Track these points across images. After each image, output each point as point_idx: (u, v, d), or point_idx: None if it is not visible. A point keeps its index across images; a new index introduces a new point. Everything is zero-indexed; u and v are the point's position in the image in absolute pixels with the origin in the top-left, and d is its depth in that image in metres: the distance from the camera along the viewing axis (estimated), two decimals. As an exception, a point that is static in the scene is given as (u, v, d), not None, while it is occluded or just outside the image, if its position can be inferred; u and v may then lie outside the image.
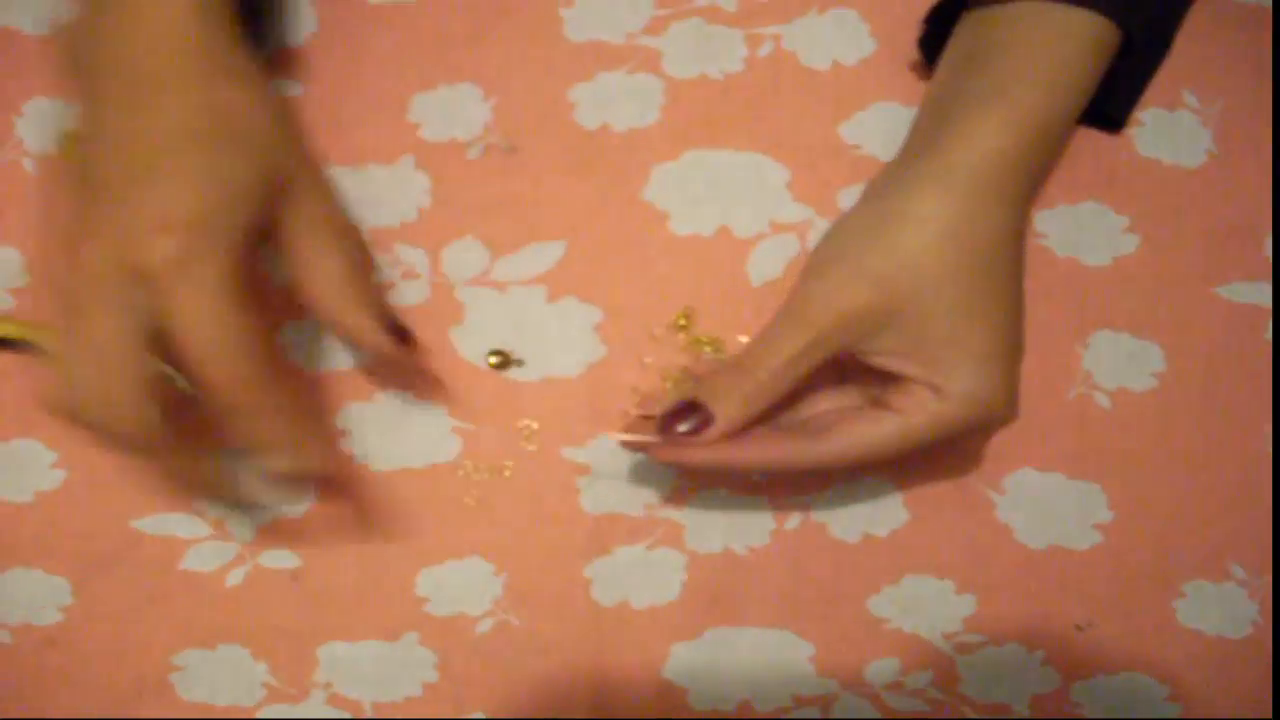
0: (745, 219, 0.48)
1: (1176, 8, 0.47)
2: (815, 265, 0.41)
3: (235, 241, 0.36)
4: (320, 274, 0.39)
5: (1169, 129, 0.48)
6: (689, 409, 0.40)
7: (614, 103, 0.48)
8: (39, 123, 0.48)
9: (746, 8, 0.49)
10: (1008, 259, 0.40)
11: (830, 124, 0.48)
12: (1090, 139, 0.48)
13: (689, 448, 0.40)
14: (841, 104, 0.48)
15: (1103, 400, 0.47)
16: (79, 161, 0.37)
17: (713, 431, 0.39)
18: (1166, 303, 0.47)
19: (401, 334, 0.41)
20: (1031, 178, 0.40)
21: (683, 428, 0.39)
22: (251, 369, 0.35)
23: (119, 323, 0.35)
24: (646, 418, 0.42)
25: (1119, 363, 0.47)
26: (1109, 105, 0.46)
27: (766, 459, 0.40)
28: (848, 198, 0.47)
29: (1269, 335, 0.47)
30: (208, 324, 0.35)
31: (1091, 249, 0.48)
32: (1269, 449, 0.46)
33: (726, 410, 0.39)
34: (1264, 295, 0.47)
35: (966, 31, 0.43)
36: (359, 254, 0.41)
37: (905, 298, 0.38)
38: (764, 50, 0.49)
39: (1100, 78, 0.41)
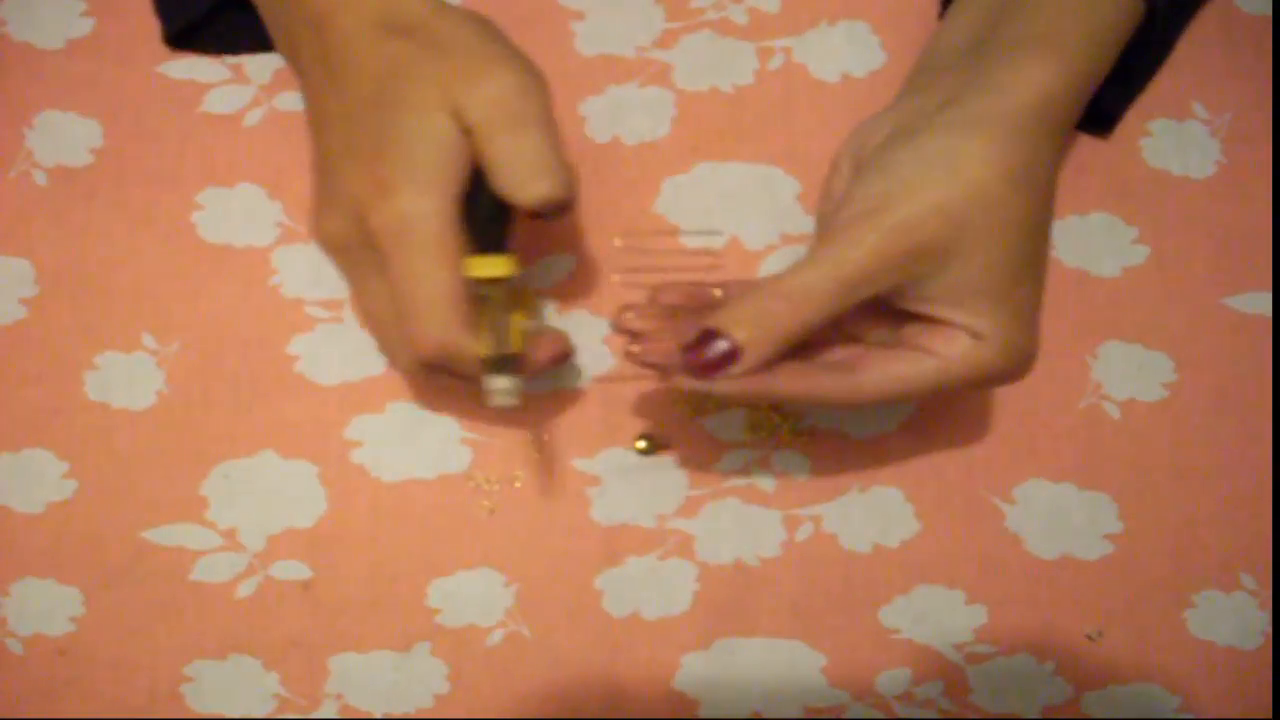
0: (756, 231, 0.48)
1: (1187, 4, 0.48)
2: (871, 197, 0.37)
3: (446, 192, 0.37)
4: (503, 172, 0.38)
5: (1178, 140, 0.48)
6: (709, 341, 0.36)
7: (625, 116, 0.48)
8: (50, 136, 0.48)
9: (757, 20, 0.49)
10: (1051, 209, 0.39)
11: (841, 136, 0.48)
12: (1099, 150, 0.49)
13: (709, 381, 0.37)
14: (852, 116, 0.48)
15: (1113, 411, 0.47)
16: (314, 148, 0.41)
17: (737, 369, 0.36)
18: (1176, 313, 0.47)
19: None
20: (1071, 127, 0.39)
21: (705, 363, 0.36)
22: (451, 331, 0.37)
23: (379, 283, 0.39)
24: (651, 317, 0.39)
25: (1129, 373, 0.47)
26: (1108, 100, 0.46)
27: (797, 391, 0.37)
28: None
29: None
30: (417, 286, 0.37)
31: (1101, 260, 0.48)
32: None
33: (754, 348, 0.36)
34: (1272, 306, 0.47)
35: None
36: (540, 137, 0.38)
37: (975, 239, 0.36)
38: (775, 63, 0.49)
39: (1123, 46, 0.40)
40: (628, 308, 0.39)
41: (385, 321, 0.40)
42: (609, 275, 0.43)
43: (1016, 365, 0.38)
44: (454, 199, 0.38)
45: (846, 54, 0.49)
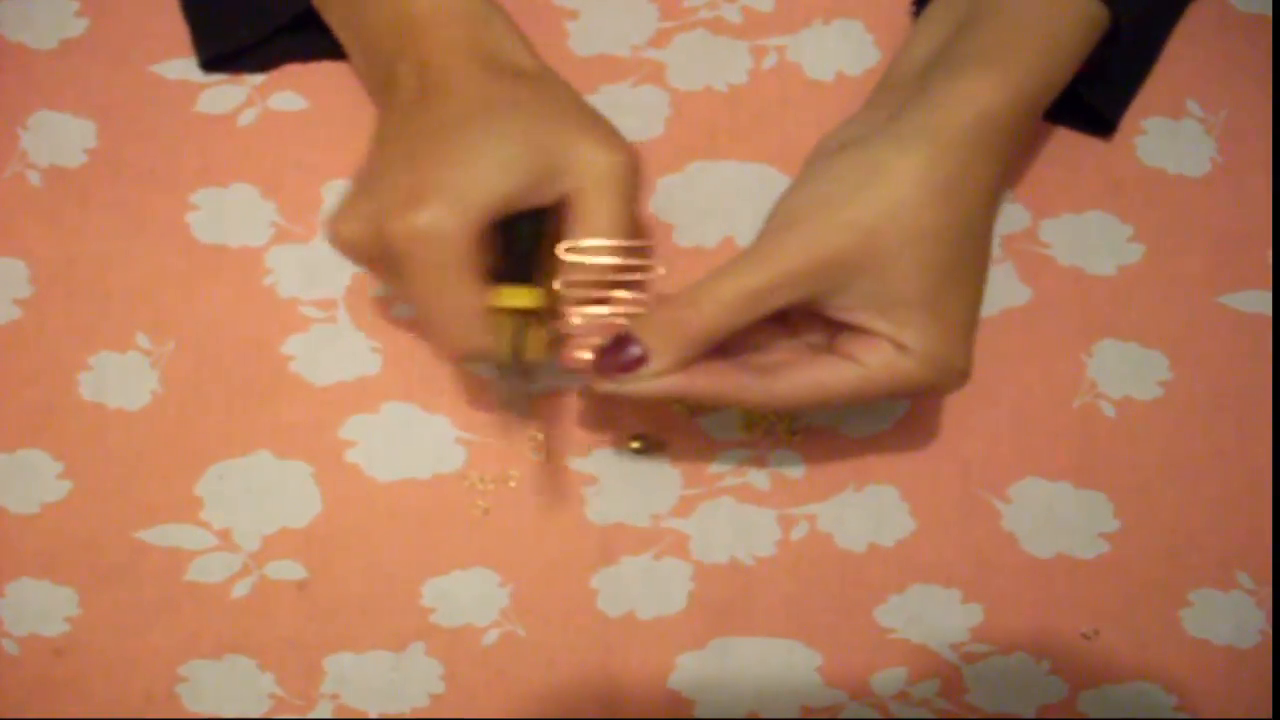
0: (750, 230, 0.48)
1: (1168, 5, 0.48)
2: (790, 210, 0.39)
3: (478, 217, 0.38)
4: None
5: (1173, 138, 0.48)
6: (623, 345, 0.38)
7: (619, 115, 0.48)
8: (44, 136, 0.48)
9: (751, 19, 0.49)
10: (986, 223, 0.39)
11: (835, 134, 0.48)
12: (1094, 148, 0.49)
13: (624, 385, 0.39)
14: (846, 114, 0.48)
15: (1108, 409, 0.47)
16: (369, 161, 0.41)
17: (645, 373, 0.38)
18: (1171, 312, 0.47)
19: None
20: (1014, 145, 0.40)
21: (615, 365, 0.38)
22: (462, 339, 0.39)
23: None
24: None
25: (1124, 372, 0.47)
26: (1102, 104, 0.47)
27: (714, 391, 0.39)
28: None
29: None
30: (432, 302, 0.38)
31: (1096, 258, 0.48)
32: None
33: (663, 353, 0.38)
34: (1269, 304, 0.47)
35: None
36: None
37: (886, 251, 0.37)
38: (768, 62, 0.49)
39: (1084, 58, 0.41)
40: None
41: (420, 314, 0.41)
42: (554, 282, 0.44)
43: (941, 378, 0.39)
44: (482, 226, 0.38)
45: (840, 52, 0.49)
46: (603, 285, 0.40)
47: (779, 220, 0.39)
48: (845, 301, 0.38)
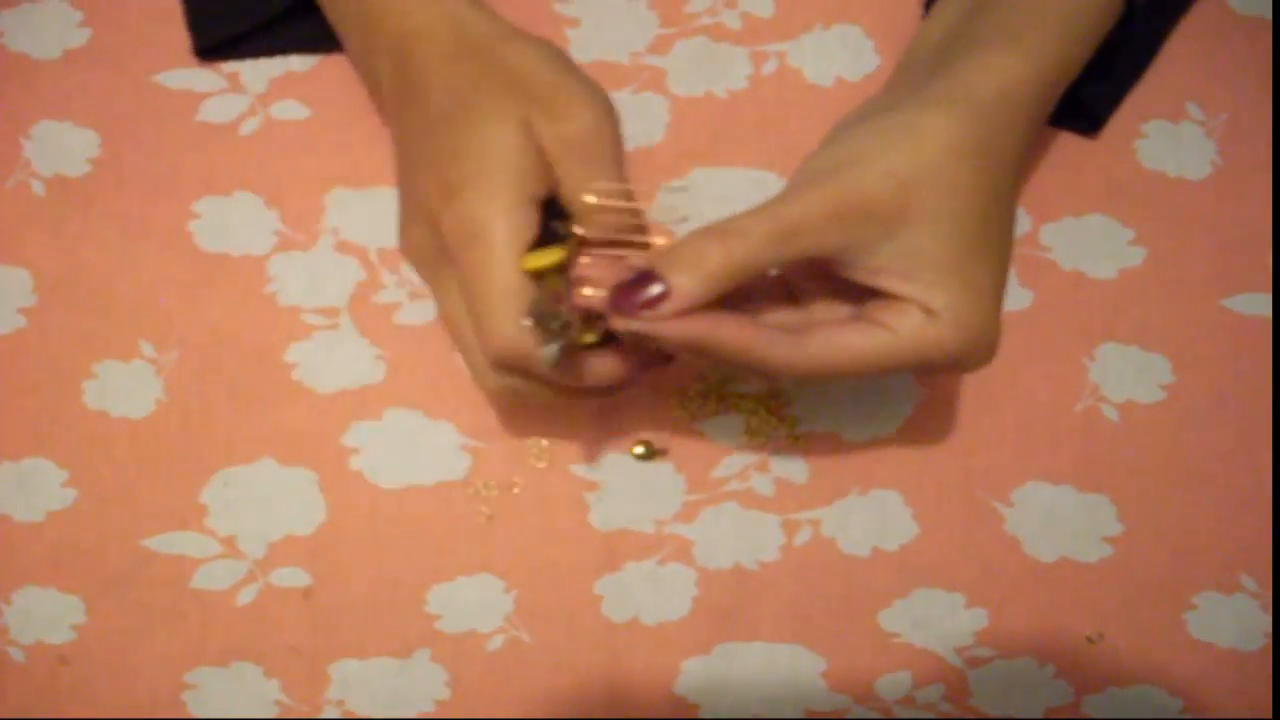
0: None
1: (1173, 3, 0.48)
2: (820, 165, 0.37)
3: (520, 191, 0.38)
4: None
5: (1173, 141, 0.48)
6: (644, 280, 0.36)
7: (620, 121, 0.48)
8: (47, 146, 0.49)
9: (751, 25, 0.49)
10: (1013, 193, 0.39)
11: (836, 139, 0.48)
12: (1094, 152, 0.49)
13: (641, 320, 0.36)
14: (847, 119, 0.48)
15: (1110, 413, 0.47)
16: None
17: (665, 309, 0.35)
18: (1173, 315, 0.47)
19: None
20: (1039, 119, 0.39)
21: (634, 301, 0.36)
22: (515, 324, 0.37)
23: (455, 297, 0.40)
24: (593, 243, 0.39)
25: (1126, 375, 0.47)
26: (1095, 100, 0.47)
27: (738, 345, 0.36)
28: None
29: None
30: (481, 284, 0.37)
31: (1097, 261, 0.48)
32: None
33: (686, 285, 0.35)
34: (1270, 307, 0.47)
35: None
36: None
37: (924, 208, 0.36)
38: (769, 67, 0.49)
39: (1099, 42, 0.41)
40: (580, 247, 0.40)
41: (466, 335, 0.40)
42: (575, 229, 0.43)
43: (971, 346, 0.37)
44: (527, 200, 0.38)
45: (840, 58, 0.49)
46: (622, 229, 0.39)
47: (808, 174, 0.37)
48: (877, 260, 0.36)
